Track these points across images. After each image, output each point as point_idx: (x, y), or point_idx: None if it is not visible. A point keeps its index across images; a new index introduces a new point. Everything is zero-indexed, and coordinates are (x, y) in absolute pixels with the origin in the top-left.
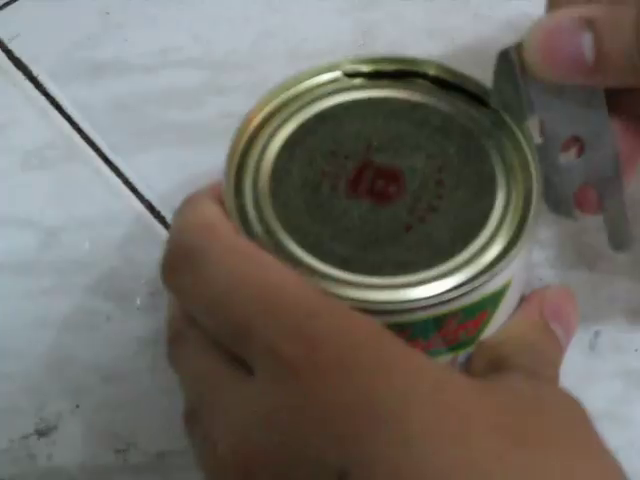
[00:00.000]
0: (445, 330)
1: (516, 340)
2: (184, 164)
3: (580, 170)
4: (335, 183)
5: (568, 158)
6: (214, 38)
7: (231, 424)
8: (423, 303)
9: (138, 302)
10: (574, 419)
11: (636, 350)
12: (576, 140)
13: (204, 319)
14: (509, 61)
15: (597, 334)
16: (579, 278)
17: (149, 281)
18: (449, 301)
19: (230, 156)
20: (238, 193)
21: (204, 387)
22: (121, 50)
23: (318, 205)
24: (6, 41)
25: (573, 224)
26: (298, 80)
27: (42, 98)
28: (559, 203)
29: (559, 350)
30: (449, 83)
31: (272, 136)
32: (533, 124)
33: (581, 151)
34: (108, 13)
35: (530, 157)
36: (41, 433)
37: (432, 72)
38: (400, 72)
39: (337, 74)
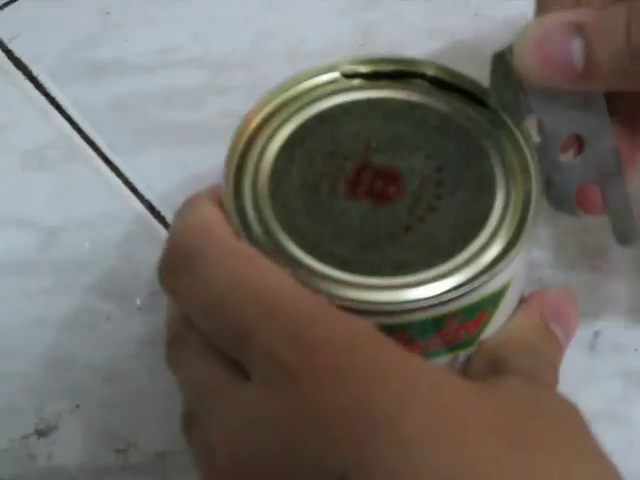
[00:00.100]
0: (445, 331)
1: (516, 342)
2: (184, 164)
3: (581, 167)
4: (334, 184)
5: (568, 156)
6: (214, 38)
7: (229, 429)
8: (423, 304)
9: (138, 302)
10: (572, 423)
11: (636, 350)
12: (576, 138)
13: (201, 322)
14: (505, 62)
15: (597, 334)
16: (579, 278)
17: (149, 281)
18: (449, 301)
19: (229, 157)
20: (237, 194)
21: (202, 390)
22: (121, 50)
23: (317, 206)
24: (6, 41)
25: (573, 224)
26: (297, 81)
27: (42, 98)
28: (561, 201)
29: (559, 351)
30: (447, 83)
31: (271, 137)
32: (532, 124)
33: (581, 149)
34: (108, 13)
35: (529, 157)
36: (41, 433)
37: (430, 72)
38: (398, 73)
39: (336, 75)
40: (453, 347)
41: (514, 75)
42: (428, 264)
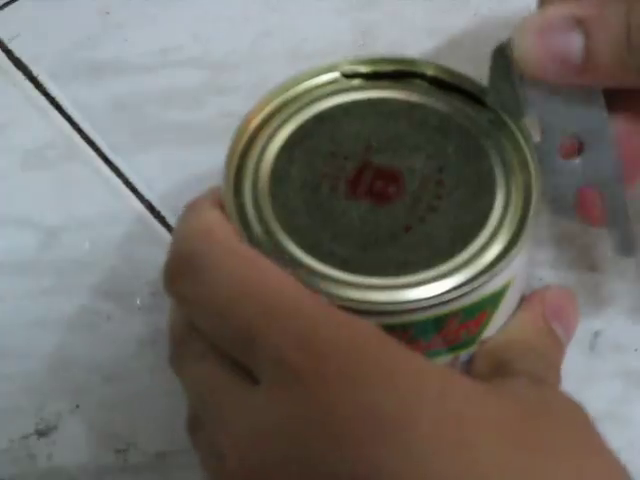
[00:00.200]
0: (446, 330)
1: (519, 344)
2: (184, 164)
3: (580, 171)
4: (334, 184)
5: (567, 158)
6: (214, 38)
7: (238, 434)
8: (423, 304)
9: (138, 302)
10: (578, 423)
11: (636, 350)
12: (575, 140)
13: (206, 325)
14: (505, 57)
15: (597, 334)
16: (579, 278)
17: (150, 281)
18: (449, 301)
19: (229, 157)
20: (237, 194)
21: (207, 394)
22: (121, 50)
23: (318, 206)
24: (6, 41)
25: (573, 224)
26: (297, 81)
27: (42, 98)
28: (559, 204)
29: (560, 351)
30: (447, 83)
31: (271, 137)
32: (531, 122)
33: (580, 151)
34: (108, 13)
35: (529, 156)
36: (41, 433)
37: (430, 72)
38: (398, 73)
39: (336, 75)
40: (454, 347)
41: (514, 70)
42: (428, 264)
